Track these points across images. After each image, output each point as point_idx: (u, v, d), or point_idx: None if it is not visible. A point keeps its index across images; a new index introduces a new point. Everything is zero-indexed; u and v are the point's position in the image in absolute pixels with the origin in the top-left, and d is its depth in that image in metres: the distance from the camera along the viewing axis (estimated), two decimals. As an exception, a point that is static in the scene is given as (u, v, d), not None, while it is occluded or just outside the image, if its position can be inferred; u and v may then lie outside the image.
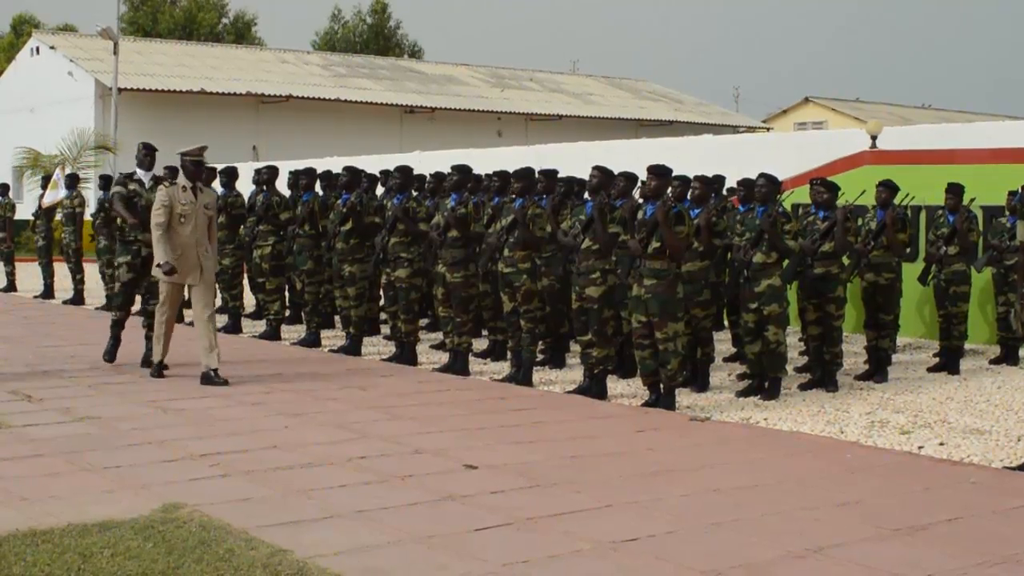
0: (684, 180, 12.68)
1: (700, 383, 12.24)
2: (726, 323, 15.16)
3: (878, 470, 8.46)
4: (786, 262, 11.92)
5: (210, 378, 11.64)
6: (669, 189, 11.34)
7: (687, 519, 6.92)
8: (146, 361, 12.67)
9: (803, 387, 12.32)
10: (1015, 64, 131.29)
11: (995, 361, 14.39)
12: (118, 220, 13.18)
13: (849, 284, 13.09)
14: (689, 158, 18.34)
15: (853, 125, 42.19)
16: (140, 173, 13.07)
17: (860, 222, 13.21)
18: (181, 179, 11.90)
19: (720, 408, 11.16)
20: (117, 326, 13.00)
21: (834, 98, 61.62)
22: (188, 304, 15.32)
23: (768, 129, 53.23)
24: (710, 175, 13.71)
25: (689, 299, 11.84)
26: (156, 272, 11.87)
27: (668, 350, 10.82)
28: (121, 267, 12.87)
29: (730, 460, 8.63)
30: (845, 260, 12.90)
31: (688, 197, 12.66)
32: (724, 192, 15.09)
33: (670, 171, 11.23)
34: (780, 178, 12.63)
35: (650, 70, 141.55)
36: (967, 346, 14.56)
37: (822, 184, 12.76)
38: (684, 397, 11.55)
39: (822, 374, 12.41)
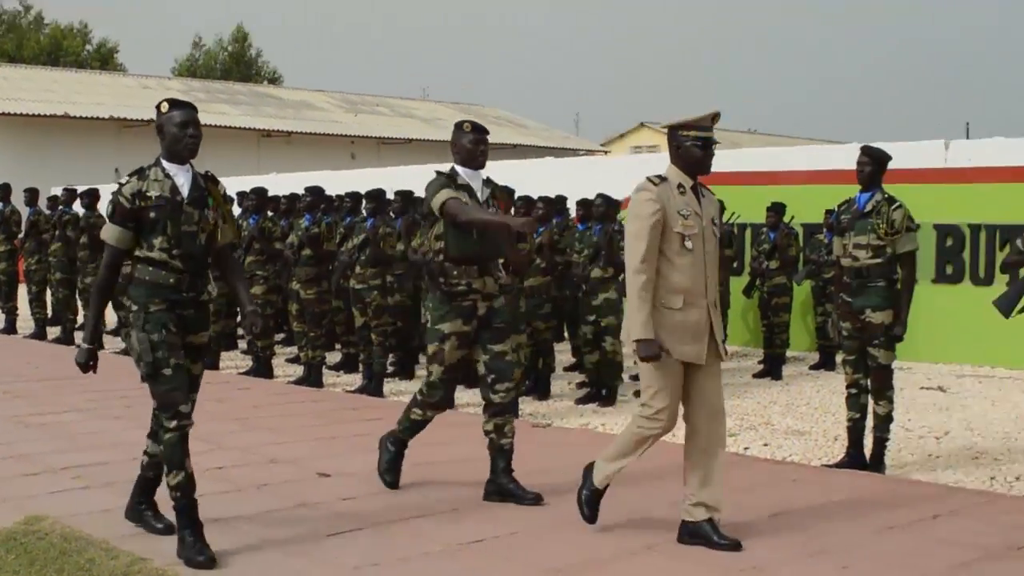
0: (528, 201, 12.81)
1: (541, 391, 12.30)
2: (566, 335, 15.26)
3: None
4: (622, 276, 12.03)
5: (704, 532, 6.39)
6: (512, 210, 11.41)
7: (530, 520, 6.93)
8: (502, 491, 7.47)
9: (638, 394, 12.40)
10: (832, 91, 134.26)
11: (814, 367, 14.69)
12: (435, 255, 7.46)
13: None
14: (533, 180, 18.41)
15: (684, 148, 42.71)
16: (464, 174, 7.46)
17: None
18: (671, 174, 6.35)
19: (560, 415, 11.22)
20: (419, 428, 7.81)
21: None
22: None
23: (606, 152, 53.73)
24: (552, 196, 13.83)
25: (531, 312, 11.94)
26: (642, 351, 6.27)
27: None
28: (448, 340, 7.33)
29: (570, 464, 8.64)
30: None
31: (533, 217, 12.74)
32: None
33: (513, 192, 11.31)
34: (618, 198, 12.75)
35: (496, 97, 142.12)
36: (789, 353, 14.85)
37: (655, 204, 12.91)
38: (527, 405, 11.60)
39: (656, 382, 12.51)
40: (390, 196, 13.66)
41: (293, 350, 14.88)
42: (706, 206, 6.41)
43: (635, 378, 13.14)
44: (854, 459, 8.78)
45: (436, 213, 7.31)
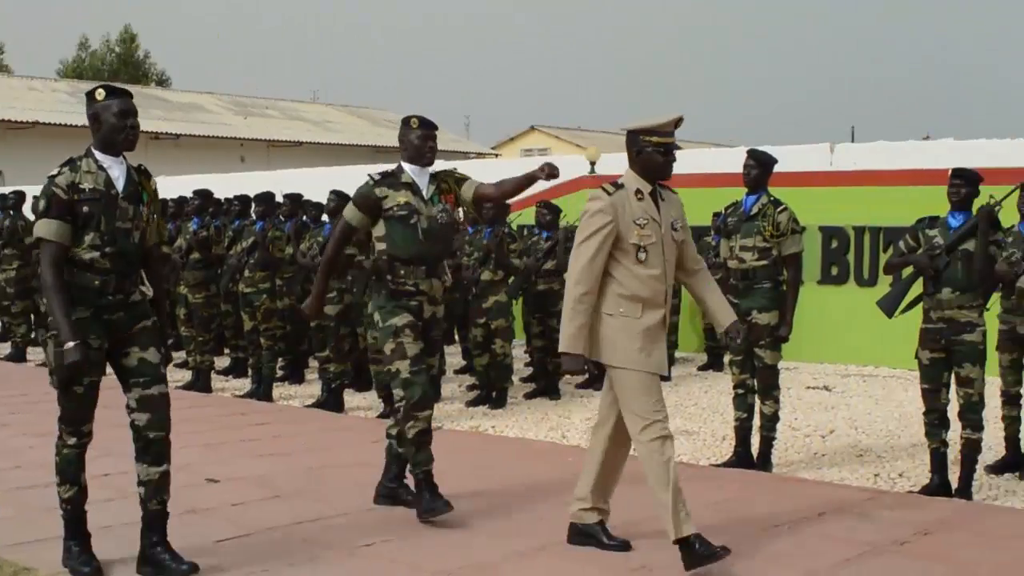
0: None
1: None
2: (457, 337, 15.26)
3: (532, 456, 8.60)
4: (512, 279, 12.06)
5: (594, 533, 6.38)
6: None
7: (420, 524, 6.90)
8: (394, 496, 7.38)
9: (528, 396, 12.47)
10: (719, 95, 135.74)
11: (703, 368, 14.82)
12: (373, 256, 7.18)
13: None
14: (422, 182, 18.35)
15: (575, 152, 42.94)
16: (411, 172, 7.10)
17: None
18: (629, 179, 6.08)
19: (451, 418, 11.21)
20: (422, 441, 6.98)
21: (558, 126, 62.61)
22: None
23: (497, 155, 53.77)
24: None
25: (422, 315, 11.89)
26: (566, 364, 6.03)
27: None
28: (403, 333, 6.85)
29: (462, 466, 8.66)
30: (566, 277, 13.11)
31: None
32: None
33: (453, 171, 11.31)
34: (508, 201, 12.77)
35: (386, 99, 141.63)
36: (677, 354, 14.97)
37: (546, 206, 13.00)
38: (418, 408, 11.56)
39: (546, 384, 12.58)
40: (279, 199, 13.57)
41: (181, 355, 14.70)
42: (666, 210, 6.11)
43: (526, 380, 13.20)
44: (742, 458, 8.87)
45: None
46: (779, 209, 8.57)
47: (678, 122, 6.06)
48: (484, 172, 20.91)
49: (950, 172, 8.15)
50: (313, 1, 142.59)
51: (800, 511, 7.22)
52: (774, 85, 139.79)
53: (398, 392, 6.90)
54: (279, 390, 12.86)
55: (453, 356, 14.69)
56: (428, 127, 7.11)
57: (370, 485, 7.56)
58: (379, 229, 6.99)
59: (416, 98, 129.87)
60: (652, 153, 6.02)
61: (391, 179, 7.03)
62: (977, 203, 8.03)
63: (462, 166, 25.11)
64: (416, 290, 6.94)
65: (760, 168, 8.70)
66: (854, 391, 12.97)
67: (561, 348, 5.94)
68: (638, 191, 6.00)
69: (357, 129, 53.77)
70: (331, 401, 11.55)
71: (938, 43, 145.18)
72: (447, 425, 10.71)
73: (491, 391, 12.00)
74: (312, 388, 12.91)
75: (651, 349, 5.95)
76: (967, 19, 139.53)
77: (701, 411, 11.67)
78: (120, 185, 5.73)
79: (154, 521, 5.97)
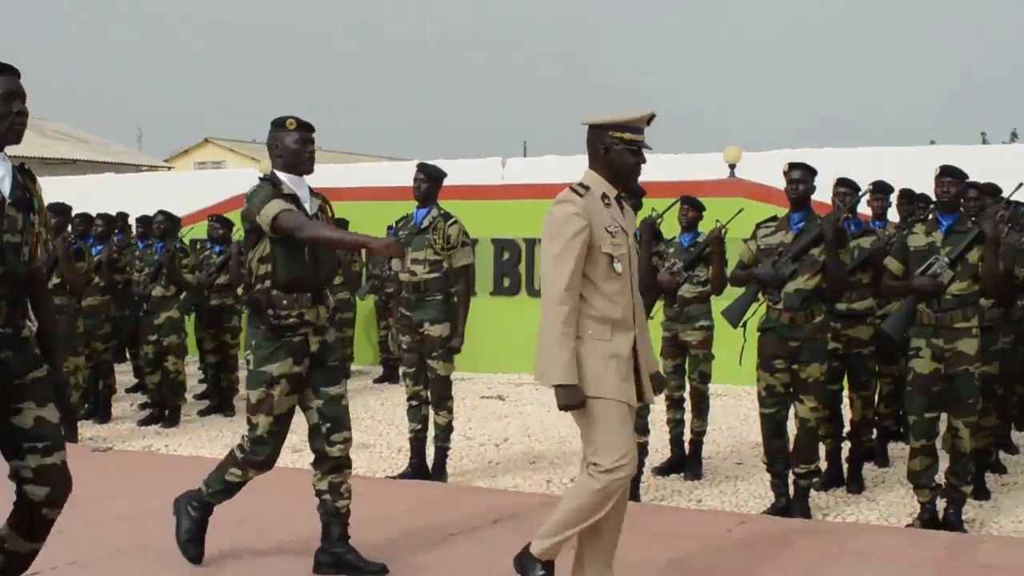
0: (87, 218, 12.40)
1: (102, 414, 11.95)
2: (128, 355, 14.89)
3: (273, 488, 8.46)
4: (184, 295, 11.84)
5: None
6: (70, 226, 11.08)
7: (90, 548, 6.70)
8: (340, 562, 6.23)
9: (202, 413, 12.30)
10: (396, 108, 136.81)
11: (378, 380, 14.89)
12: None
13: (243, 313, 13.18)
14: (93, 196, 17.84)
15: (251, 165, 42.50)
16: (289, 182, 6.08)
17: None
18: (594, 182, 5.27)
19: (123, 438, 10.93)
20: (230, 492, 6.49)
21: (232, 139, 61.80)
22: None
23: (170, 168, 52.70)
24: (113, 213, 13.47)
25: (90, 333, 11.57)
26: (565, 399, 5.18)
27: (69, 383, 10.49)
28: (277, 385, 6.02)
29: (133, 488, 8.46)
30: (240, 292, 12.95)
31: (92, 235, 12.39)
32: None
33: (70, 208, 10.96)
34: (180, 215, 12.56)
35: (54, 110, 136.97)
36: (353, 367, 15.02)
37: (217, 220, 12.83)
38: (87, 429, 11.25)
39: (220, 400, 12.41)
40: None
41: None
42: (629, 220, 5.37)
43: (200, 396, 12.98)
44: (417, 469, 8.94)
45: (266, 229, 5.90)
46: (449, 222, 8.68)
47: (650, 119, 5.25)
48: (155, 186, 20.53)
49: (615, 186, 8.40)
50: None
51: (476, 519, 7.33)
52: (448, 100, 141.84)
53: (245, 443, 6.23)
54: None
55: (124, 374, 14.30)
56: (307, 129, 6.12)
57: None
58: (263, 249, 6.00)
59: (86, 108, 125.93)
60: (623, 152, 5.19)
61: (275, 190, 6.01)
62: (640, 215, 8.31)
63: (134, 180, 24.55)
64: (300, 321, 6.05)
65: (430, 182, 8.79)
66: (528, 400, 13.24)
67: (555, 382, 5.09)
68: (604, 196, 5.21)
69: (23, 140, 51.73)
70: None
71: (604, 61, 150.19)
72: (118, 446, 10.42)
73: (164, 409, 11.76)
74: None
75: (621, 375, 5.16)
76: (640, 39, 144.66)
77: (377, 423, 11.71)
78: (6, 188, 4.57)
79: None
